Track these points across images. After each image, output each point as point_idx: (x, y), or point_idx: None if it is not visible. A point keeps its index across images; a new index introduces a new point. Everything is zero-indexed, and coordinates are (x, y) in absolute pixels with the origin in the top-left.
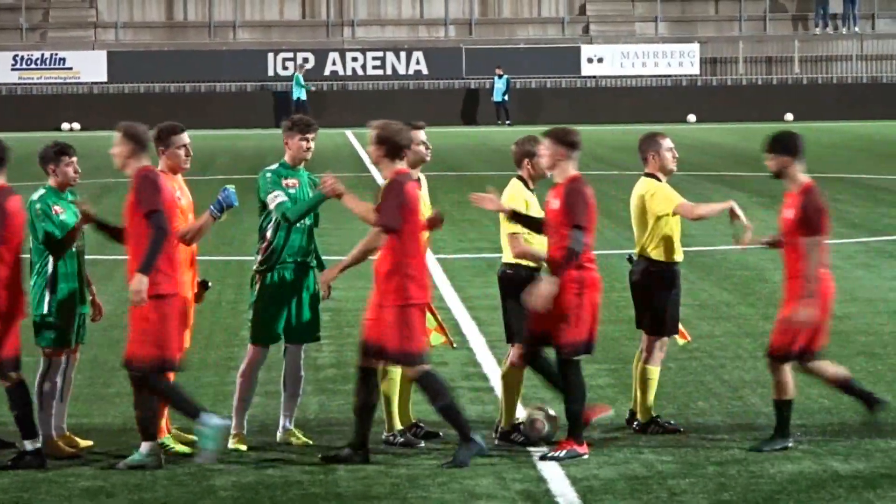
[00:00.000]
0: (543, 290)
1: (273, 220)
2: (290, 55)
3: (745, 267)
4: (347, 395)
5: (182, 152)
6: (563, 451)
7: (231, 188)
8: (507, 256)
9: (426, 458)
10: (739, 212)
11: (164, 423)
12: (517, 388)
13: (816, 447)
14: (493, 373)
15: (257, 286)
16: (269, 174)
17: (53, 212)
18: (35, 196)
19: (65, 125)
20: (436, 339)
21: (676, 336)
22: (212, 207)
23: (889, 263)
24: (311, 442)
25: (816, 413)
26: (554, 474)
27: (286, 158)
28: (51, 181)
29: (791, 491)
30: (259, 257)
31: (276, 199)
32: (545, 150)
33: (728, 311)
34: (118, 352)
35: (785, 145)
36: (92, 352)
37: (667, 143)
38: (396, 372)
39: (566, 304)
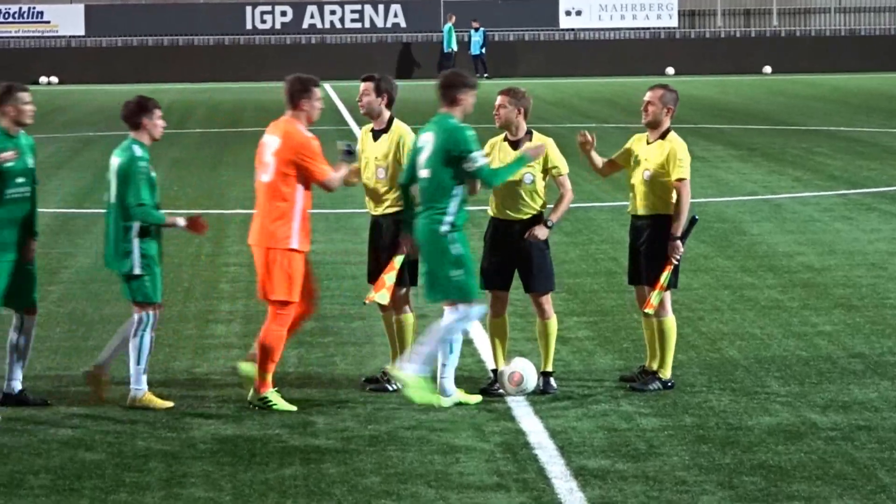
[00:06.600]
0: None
1: None
2: (268, 8)
3: (722, 219)
4: (326, 348)
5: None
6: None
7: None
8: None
9: (406, 411)
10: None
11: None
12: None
13: (794, 399)
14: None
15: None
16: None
17: None
18: None
19: (43, 79)
20: (382, 296)
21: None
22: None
23: (867, 216)
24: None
25: (794, 365)
26: (533, 427)
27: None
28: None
29: (769, 443)
30: None
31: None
32: None
33: (706, 264)
34: (97, 305)
35: None
36: (70, 305)
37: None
38: (409, 316)
39: None
